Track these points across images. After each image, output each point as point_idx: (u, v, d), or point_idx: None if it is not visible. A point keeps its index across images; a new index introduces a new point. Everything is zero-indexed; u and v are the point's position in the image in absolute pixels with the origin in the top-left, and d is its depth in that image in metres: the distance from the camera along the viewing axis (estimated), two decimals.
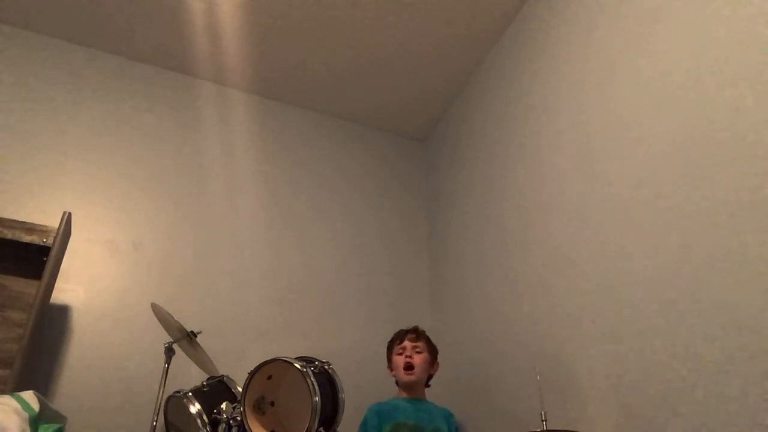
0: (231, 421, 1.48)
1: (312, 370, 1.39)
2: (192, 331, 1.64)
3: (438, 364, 1.97)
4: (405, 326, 2.01)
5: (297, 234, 2.42)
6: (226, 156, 2.44)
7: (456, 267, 2.38)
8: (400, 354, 1.90)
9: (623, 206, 1.46)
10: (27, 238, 1.70)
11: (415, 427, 1.75)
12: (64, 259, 1.86)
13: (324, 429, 1.35)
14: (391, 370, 1.95)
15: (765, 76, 1.13)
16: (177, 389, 1.60)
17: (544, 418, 1.27)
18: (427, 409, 1.84)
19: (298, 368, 1.37)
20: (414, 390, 1.88)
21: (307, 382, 1.34)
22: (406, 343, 1.91)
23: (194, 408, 1.49)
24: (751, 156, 1.12)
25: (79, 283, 1.95)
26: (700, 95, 1.28)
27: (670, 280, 1.26)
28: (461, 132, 2.56)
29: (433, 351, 1.95)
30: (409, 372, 1.85)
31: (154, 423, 1.53)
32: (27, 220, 1.77)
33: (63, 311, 1.89)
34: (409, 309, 2.47)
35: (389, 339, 2.01)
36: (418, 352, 1.89)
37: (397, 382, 1.94)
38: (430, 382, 1.96)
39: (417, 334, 1.95)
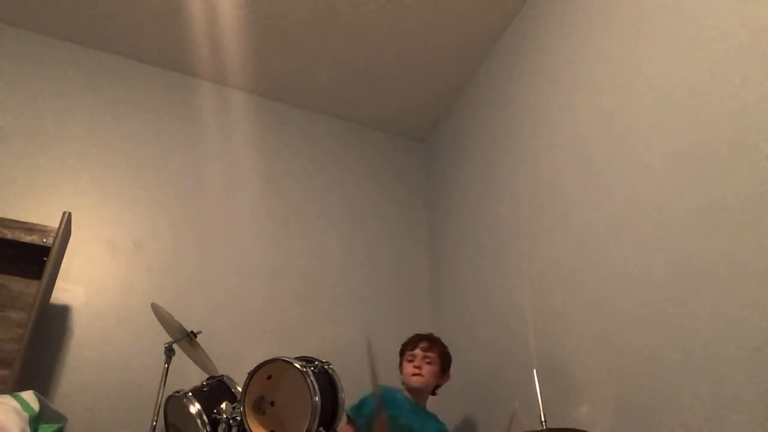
0: (231, 421, 1.48)
1: (312, 370, 1.39)
2: (192, 331, 1.64)
3: (449, 375, 1.87)
4: (405, 326, 1.98)
5: (297, 234, 2.42)
6: (227, 156, 2.44)
7: (455, 266, 2.38)
8: (410, 361, 1.83)
9: (619, 207, 1.46)
10: (27, 238, 1.70)
11: (405, 428, 1.70)
12: (64, 259, 1.86)
13: (324, 429, 1.35)
14: (401, 373, 1.89)
15: (763, 78, 1.13)
16: (177, 389, 1.60)
17: (543, 419, 1.27)
18: (424, 417, 1.79)
19: (298, 368, 1.37)
20: (417, 395, 1.82)
21: (307, 382, 1.34)
22: (417, 352, 1.83)
23: (194, 408, 1.49)
24: (750, 158, 1.12)
25: (79, 283, 1.95)
26: (697, 98, 1.28)
27: (668, 281, 1.26)
28: (461, 132, 2.56)
29: (445, 362, 1.86)
30: (415, 378, 1.79)
31: (154, 423, 1.53)
32: (27, 220, 1.77)
33: (63, 311, 1.89)
34: (410, 308, 2.47)
35: (402, 342, 1.92)
36: (428, 363, 1.81)
37: (403, 382, 1.89)
38: (437, 392, 1.87)
39: (430, 343, 1.85)
